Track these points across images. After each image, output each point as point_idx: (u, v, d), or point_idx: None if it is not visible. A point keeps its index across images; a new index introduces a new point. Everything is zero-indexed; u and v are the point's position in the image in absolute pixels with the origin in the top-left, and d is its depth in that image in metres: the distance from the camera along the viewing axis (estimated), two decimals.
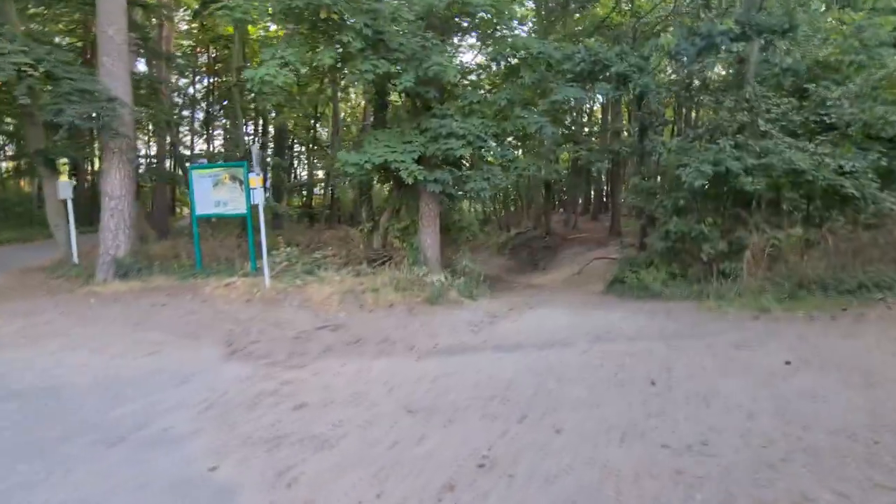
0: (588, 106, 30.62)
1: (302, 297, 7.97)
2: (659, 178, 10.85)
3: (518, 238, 24.70)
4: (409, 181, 8.69)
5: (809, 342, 5.65)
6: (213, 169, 10.42)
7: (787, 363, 4.97)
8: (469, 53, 26.53)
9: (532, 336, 6.38)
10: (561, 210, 30.15)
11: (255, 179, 10.09)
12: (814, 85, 9.25)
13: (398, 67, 8.54)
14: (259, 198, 10.14)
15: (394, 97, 11.67)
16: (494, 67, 10.70)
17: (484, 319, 7.48)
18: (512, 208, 41.52)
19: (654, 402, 4.17)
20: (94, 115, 9.40)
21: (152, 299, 8.38)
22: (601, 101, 19.99)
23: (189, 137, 26.55)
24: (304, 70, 8.68)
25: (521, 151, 14.15)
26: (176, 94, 20.81)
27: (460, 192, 10.40)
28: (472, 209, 45.50)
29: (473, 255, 28.10)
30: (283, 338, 6.20)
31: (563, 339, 6.16)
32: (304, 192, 28.50)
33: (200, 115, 25.59)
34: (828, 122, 8.92)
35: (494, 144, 9.44)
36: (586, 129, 19.43)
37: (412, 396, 4.45)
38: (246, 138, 20.48)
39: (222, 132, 26.62)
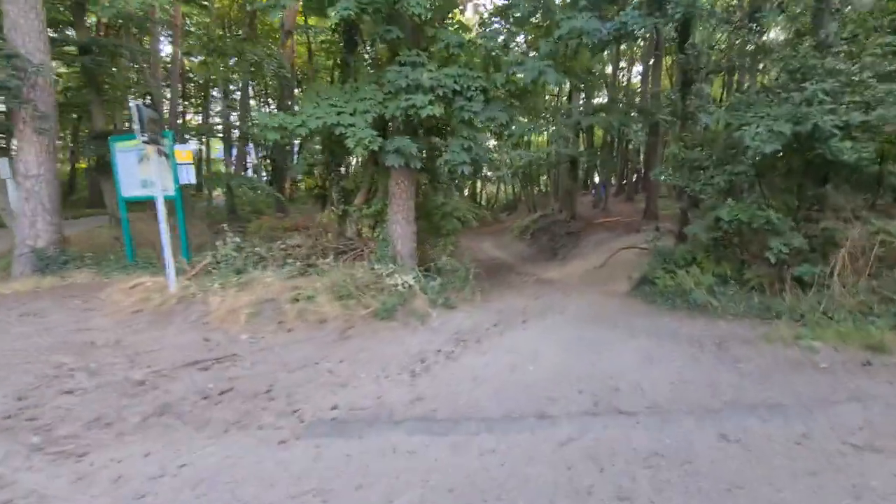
0: (624, 73, 27.04)
1: (205, 309, 5.78)
2: (704, 147, 7.94)
3: (540, 222, 21.90)
4: (360, 152, 6.28)
5: None
6: (137, 141, 8.33)
7: None
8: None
9: (492, 392, 3.93)
10: (592, 191, 26.92)
11: (183, 153, 7.95)
12: None
13: None
14: (188, 176, 8.00)
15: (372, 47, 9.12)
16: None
17: (442, 349, 5.07)
18: (543, 189, 38.33)
19: None
20: None
21: (36, 304, 6.42)
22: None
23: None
24: None
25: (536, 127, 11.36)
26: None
27: (434, 167, 7.90)
28: (496, 188, 42.67)
29: (495, 241, 25.60)
30: (114, 384, 4.01)
31: (540, 405, 3.69)
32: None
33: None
34: None
35: (480, 102, 6.84)
36: (622, 99, 16.29)
37: None
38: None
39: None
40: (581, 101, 17.70)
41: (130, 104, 5.64)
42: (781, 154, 6.10)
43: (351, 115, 6.54)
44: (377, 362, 4.60)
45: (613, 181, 27.92)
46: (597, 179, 25.90)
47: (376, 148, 6.39)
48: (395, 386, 4.07)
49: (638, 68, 29.95)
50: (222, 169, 30.12)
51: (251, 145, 25.75)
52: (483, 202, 40.78)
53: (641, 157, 20.00)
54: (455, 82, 6.71)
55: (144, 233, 10.65)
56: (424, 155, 7.78)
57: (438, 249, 8.25)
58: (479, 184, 40.09)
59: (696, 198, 9.68)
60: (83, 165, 23.96)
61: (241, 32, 18.01)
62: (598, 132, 28.16)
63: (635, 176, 25.47)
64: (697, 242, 8.11)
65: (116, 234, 11.16)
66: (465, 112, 6.82)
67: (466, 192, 40.50)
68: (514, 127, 7.17)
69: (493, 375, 4.25)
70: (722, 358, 4.58)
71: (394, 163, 6.62)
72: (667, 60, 21.24)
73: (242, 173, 24.29)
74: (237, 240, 8.33)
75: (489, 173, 31.18)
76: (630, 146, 24.24)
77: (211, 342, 5.06)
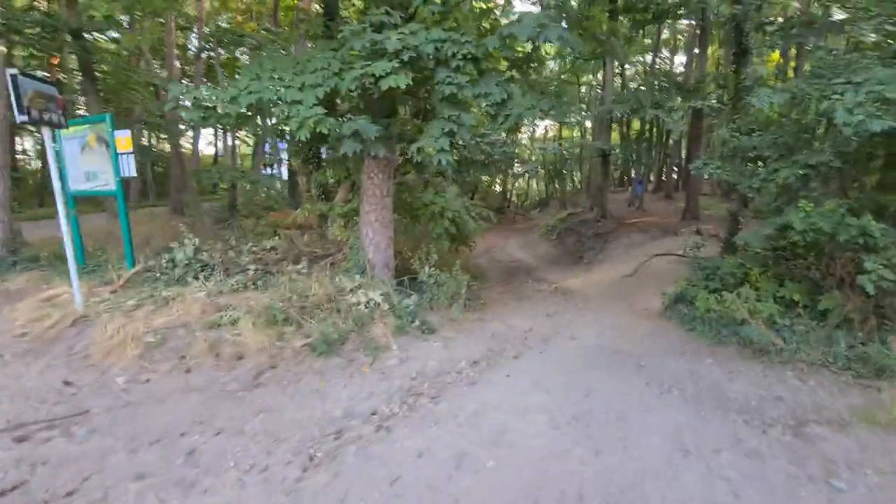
0: (664, 62, 24.53)
1: (91, 338, 4.45)
2: (764, 132, 6.00)
3: (568, 221, 19.89)
4: (301, 136, 4.78)
5: None
6: (80, 127, 7.17)
7: None
8: None
9: None
10: (629, 188, 24.54)
11: (122, 140, 6.70)
12: None
13: None
14: (129, 167, 6.75)
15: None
16: None
17: (378, 411, 3.52)
18: (577, 185, 35.92)
19: None
20: None
21: None
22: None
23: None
24: None
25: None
26: None
27: (408, 157, 6.29)
28: (519, 184, 40.52)
29: (520, 240, 23.73)
30: None
31: None
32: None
33: None
34: None
35: (468, 73, 5.20)
36: (660, 81, 14.09)
37: None
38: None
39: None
40: (615, 87, 15.61)
41: (7, 73, 4.37)
42: (882, 137, 4.16)
43: (299, 89, 5.04)
44: (269, 437, 3.10)
45: (651, 177, 25.40)
46: (633, 175, 23.56)
47: (325, 130, 4.86)
48: (263, 495, 2.54)
49: (681, 59, 27.08)
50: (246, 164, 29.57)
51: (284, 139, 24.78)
52: (514, 199, 38.83)
53: (683, 150, 17.64)
54: (437, 49, 5.10)
55: (116, 231, 9.61)
56: (402, 141, 6.22)
57: (423, 257, 6.67)
58: (508, 180, 38.23)
59: (746, 197, 7.70)
60: None
61: None
62: (636, 125, 25.70)
63: (675, 171, 22.93)
64: (751, 255, 6.21)
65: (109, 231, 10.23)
66: (448, 86, 5.20)
67: (497, 188, 38.73)
68: (511, 107, 5.48)
69: (423, 481, 2.65)
70: (802, 460, 2.80)
71: (348, 150, 5.07)
72: (713, 50, 18.73)
73: (270, 168, 23.38)
74: (196, 242, 7.04)
75: (518, 167, 29.20)
76: (670, 139, 21.75)
77: (71, 388, 3.70)
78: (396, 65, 4.80)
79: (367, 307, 5.44)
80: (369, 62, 4.89)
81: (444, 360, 4.71)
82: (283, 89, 5.02)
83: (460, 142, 5.32)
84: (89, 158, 6.98)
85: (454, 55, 5.24)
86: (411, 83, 4.92)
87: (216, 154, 32.28)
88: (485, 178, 20.10)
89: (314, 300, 5.44)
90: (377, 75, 4.75)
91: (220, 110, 4.91)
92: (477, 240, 24.92)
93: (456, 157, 11.74)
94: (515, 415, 3.44)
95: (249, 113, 5.19)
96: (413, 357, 4.73)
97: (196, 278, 6.03)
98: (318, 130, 4.87)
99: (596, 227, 16.09)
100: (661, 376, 4.37)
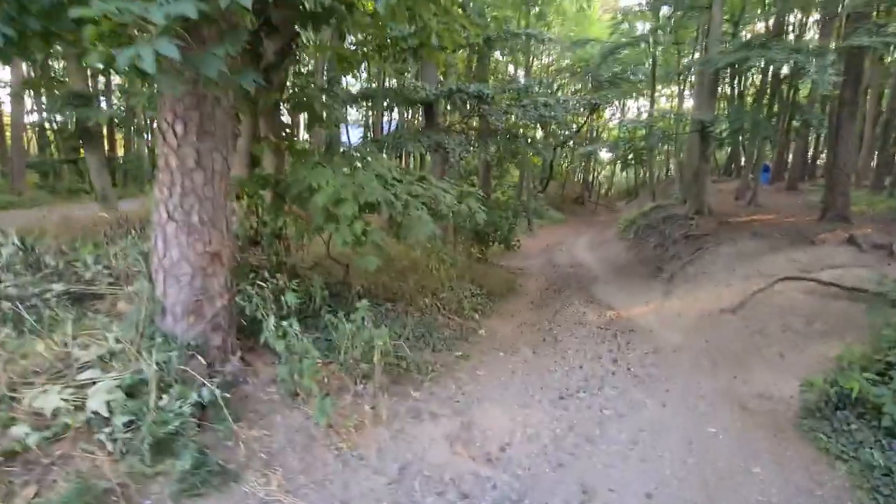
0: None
1: None
2: None
3: (651, 216, 15.47)
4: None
5: None
6: None
7: None
8: None
9: None
10: (740, 176, 19.06)
11: None
12: None
13: None
14: None
15: None
16: None
17: None
18: (669, 172, 30.13)
19: None
20: None
21: None
22: None
23: None
24: None
25: None
26: None
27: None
28: (604, 171, 34.94)
29: (595, 236, 19.49)
30: None
31: None
32: None
33: None
34: None
35: None
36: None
37: None
38: None
39: None
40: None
41: None
42: None
43: None
44: None
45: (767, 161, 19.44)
46: (743, 160, 18.00)
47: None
48: None
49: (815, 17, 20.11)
50: None
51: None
52: (598, 188, 33.78)
53: (824, 122, 12.34)
54: None
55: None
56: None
57: (263, 299, 3.59)
58: (592, 168, 33.21)
59: None
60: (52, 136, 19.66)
61: None
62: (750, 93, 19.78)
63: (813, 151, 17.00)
64: None
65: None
66: None
67: (579, 178, 33.81)
68: None
69: None
70: None
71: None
72: None
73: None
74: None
75: (604, 151, 24.19)
76: (796, 111, 15.85)
77: None
78: None
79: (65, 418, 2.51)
80: None
81: None
82: None
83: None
84: None
85: None
86: None
87: None
88: (532, 155, 16.02)
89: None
90: None
91: None
92: (543, 234, 21.02)
93: (475, 128, 8.28)
94: None
95: None
96: None
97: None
98: None
99: (687, 227, 11.75)
100: None
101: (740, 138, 14.38)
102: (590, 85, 20.03)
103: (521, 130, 8.67)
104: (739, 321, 6.08)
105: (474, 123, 8.31)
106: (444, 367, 4.27)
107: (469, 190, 5.57)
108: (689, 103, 21.17)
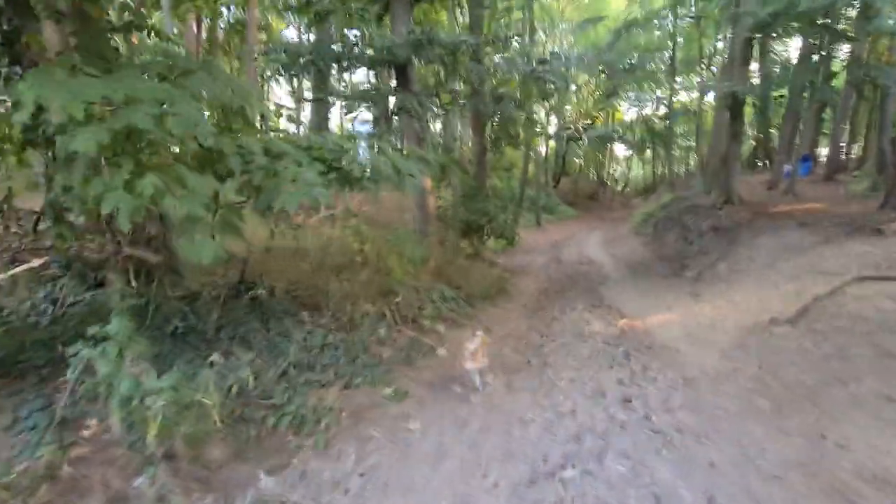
0: None
1: None
2: None
3: (671, 207, 13.60)
4: None
5: None
6: None
7: None
8: None
9: None
10: (771, 166, 16.97)
11: None
12: None
13: None
14: None
15: None
16: None
17: None
18: (689, 163, 27.93)
19: None
20: None
21: None
22: None
23: None
24: None
25: None
26: None
27: None
28: (619, 167, 32.96)
29: (608, 233, 17.66)
30: None
31: None
32: None
33: None
34: None
35: None
36: None
37: None
38: None
39: None
40: None
41: None
42: None
43: None
44: None
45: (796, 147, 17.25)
46: (778, 149, 15.93)
47: None
48: None
49: None
50: None
51: None
52: (613, 184, 31.69)
53: (877, 96, 10.28)
54: None
55: None
56: None
57: None
58: (608, 162, 31.10)
59: None
60: None
61: None
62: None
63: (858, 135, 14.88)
64: None
65: None
66: None
67: (593, 174, 31.75)
68: None
69: None
70: None
71: None
72: None
73: None
74: None
75: (609, 130, 22.04)
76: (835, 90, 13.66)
77: None
78: None
79: None
80: None
81: None
82: None
83: None
84: None
85: None
86: None
87: None
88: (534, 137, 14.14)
89: None
90: None
91: None
92: (554, 229, 19.12)
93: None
94: None
95: None
96: None
97: None
98: None
99: (716, 218, 9.90)
100: None
101: (772, 121, 12.37)
102: (603, 75, 18.19)
103: (519, 97, 7.03)
104: (803, 337, 4.33)
105: (458, 87, 6.77)
106: (352, 416, 2.69)
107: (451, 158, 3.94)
108: (710, 97, 19.16)
